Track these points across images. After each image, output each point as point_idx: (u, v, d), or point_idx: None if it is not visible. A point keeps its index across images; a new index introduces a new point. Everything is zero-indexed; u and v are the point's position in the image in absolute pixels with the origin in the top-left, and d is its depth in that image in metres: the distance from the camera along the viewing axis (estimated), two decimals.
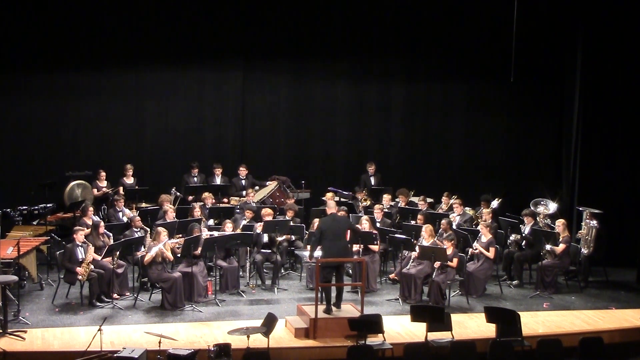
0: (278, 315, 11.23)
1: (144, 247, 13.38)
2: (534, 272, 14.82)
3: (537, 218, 15.10)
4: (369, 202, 16.27)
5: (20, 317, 12.01)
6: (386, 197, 16.11)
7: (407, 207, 15.92)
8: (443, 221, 14.37)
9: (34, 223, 15.20)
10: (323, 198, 16.34)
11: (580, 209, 15.66)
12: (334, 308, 12.05)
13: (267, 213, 14.58)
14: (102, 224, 13.82)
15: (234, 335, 10.58)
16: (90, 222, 14.04)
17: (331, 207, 12.85)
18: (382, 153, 18.50)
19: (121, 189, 16.04)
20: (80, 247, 12.96)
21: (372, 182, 17.18)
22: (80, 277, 12.73)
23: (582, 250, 14.72)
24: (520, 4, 14.96)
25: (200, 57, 17.49)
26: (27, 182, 16.15)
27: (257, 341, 10.93)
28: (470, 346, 11.16)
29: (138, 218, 14.34)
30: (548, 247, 14.17)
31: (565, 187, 17.55)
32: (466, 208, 15.73)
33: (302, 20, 17.69)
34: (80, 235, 13.07)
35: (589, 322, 12.84)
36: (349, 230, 12.57)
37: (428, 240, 13.65)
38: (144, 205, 15.95)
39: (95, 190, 16.14)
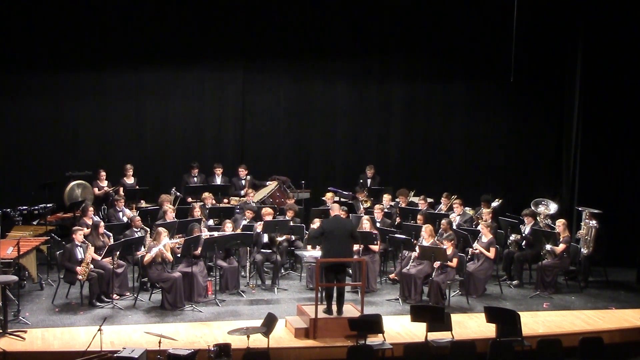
0: (278, 315, 11.22)
1: (144, 247, 13.38)
2: (534, 272, 14.83)
3: (537, 218, 15.11)
4: (369, 204, 16.26)
5: (20, 317, 12.01)
6: (386, 197, 16.11)
7: (407, 207, 15.92)
8: (443, 221, 14.37)
9: (34, 223, 15.19)
10: (323, 198, 16.35)
11: (580, 209, 15.67)
12: (335, 312, 12.04)
13: (267, 213, 14.58)
14: (102, 224, 13.82)
15: (234, 335, 10.58)
16: (90, 222, 14.04)
17: (335, 209, 12.80)
18: (382, 153, 18.50)
19: (121, 189, 16.03)
20: (79, 247, 12.96)
21: (368, 185, 17.20)
22: (80, 277, 12.73)
23: (582, 250, 14.72)
24: (520, 4, 14.96)
25: (200, 57, 17.49)
26: (27, 182, 16.18)
27: (257, 341, 10.93)
28: (470, 346, 11.16)
29: (138, 218, 14.33)
30: (548, 247, 14.17)
31: (565, 187, 17.56)
32: (466, 208, 15.73)
33: (302, 20, 17.69)
34: (79, 235, 13.07)
35: (589, 322, 12.84)
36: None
37: (428, 240, 13.65)
38: (144, 205, 15.95)
39: (96, 190, 16.14)
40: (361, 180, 17.32)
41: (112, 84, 17.31)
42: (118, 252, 13.10)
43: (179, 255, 13.37)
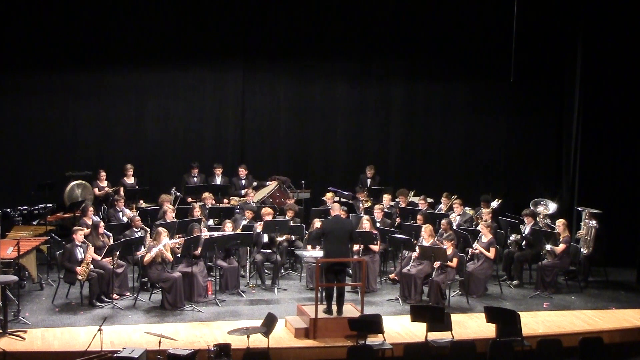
0: (278, 315, 11.22)
1: (144, 247, 13.38)
2: (534, 272, 14.83)
3: (537, 218, 15.11)
4: (369, 203, 16.27)
5: (20, 317, 12.01)
6: (386, 197, 16.11)
7: (407, 207, 15.92)
8: (443, 221, 14.37)
9: (34, 223, 15.19)
10: (323, 198, 16.35)
11: (580, 209, 15.67)
12: (335, 312, 12.04)
13: (267, 212, 14.58)
14: (101, 223, 13.81)
15: (234, 335, 10.58)
16: (90, 222, 14.03)
17: (335, 209, 12.81)
18: (382, 153, 18.51)
19: (121, 189, 16.03)
20: (79, 247, 12.95)
21: (368, 185, 17.21)
22: (79, 277, 12.72)
23: (582, 250, 14.72)
24: (520, 4, 14.96)
25: (200, 57, 17.50)
26: (27, 182, 16.19)
27: (257, 341, 10.93)
28: (470, 346, 11.16)
29: (138, 218, 14.33)
30: (548, 247, 14.17)
31: (565, 187, 17.56)
32: (466, 208, 15.73)
33: (302, 20, 17.70)
34: (79, 235, 13.06)
35: (589, 322, 12.85)
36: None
37: (428, 240, 13.64)
38: (144, 205, 15.95)
39: (96, 190, 16.14)
40: (361, 180, 17.31)
41: (112, 84, 17.31)
42: (118, 252, 13.10)
43: (179, 255, 13.36)
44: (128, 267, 13.79)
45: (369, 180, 17.30)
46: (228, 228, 13.93)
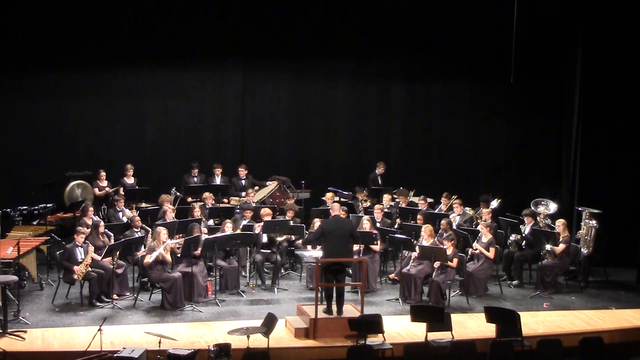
0: (278, 315, 11.23)
1: (144, 247, 13.38)
2: (534, 272, 14.83)
3: (537, 218, 15.11)
4: (369, 203, 16.27)
5: (20, 317, 12.01)
6: (386, 197, 16.10)
7: (407, 207, 15.91)
8: (443, 221, 14.36)
9: (34, 223, 15.19)
10: (323, 198, 16.35)
11: (580, 209, 15.67)
12: (335, 313, 12.03)
13: (266, 213, 14.58)
14: (101, 223, 13.81)
15: (234, 335, 10.58)
16: (90, 222, 14.03)
17: (335, 209, 12.83)
18: (382, 153, 18.49)
19: (121, 189, 16.03)
20: (79, 248, 12.94)
21: (380, 182, 17.18)
22: (75, 276, 12.69)
23: (582, 250, 14.72)
24: (520, 4, 14.96)
25: (200, 57, 17.49)
26: (27, 182, 16.19)
27: (257, 341, 10.94)
28: (470, 346, 11.16)
29: (138, 218, 14.32)
30: (548, 247, 14.17)
31: (565, 187, 17.56)
32: (466, 208, 15.73)
33: (302, 20, 17.70)
34: (80, 237, 13.05)
35: (589, 322, 12.85)
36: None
37: (428, 240, 13.64)
38: (144, 205, 15.95)
39: (97, 190, 16.14)
40: (372, 180, 17.27)
41: (112, 84, 17.31)
42: (118, 252, 13.10)
43: (179, 255, 13.36)
44: (128, 267, 13.80)
45: (379, 177, 17.26)
46: (228, 228, 13.93)
